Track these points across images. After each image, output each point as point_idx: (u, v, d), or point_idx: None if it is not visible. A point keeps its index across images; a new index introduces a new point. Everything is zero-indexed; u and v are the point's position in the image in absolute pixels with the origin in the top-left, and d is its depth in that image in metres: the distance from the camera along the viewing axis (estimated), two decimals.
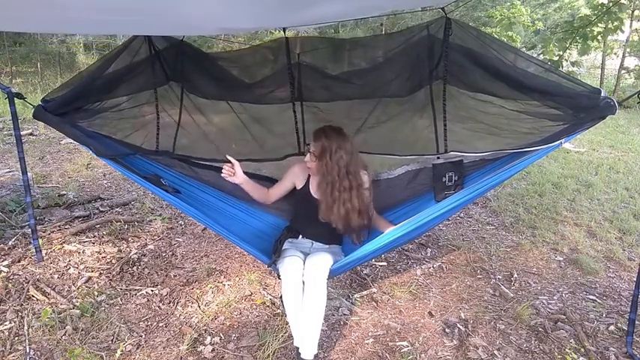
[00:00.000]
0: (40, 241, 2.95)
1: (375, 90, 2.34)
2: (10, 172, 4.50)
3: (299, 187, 2.21)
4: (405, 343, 2.15)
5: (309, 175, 2.17)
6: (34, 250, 2.26)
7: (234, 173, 2.09)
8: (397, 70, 2.27)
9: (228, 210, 2.38)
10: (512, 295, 2.61)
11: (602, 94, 1.59)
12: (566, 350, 2.12)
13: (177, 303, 2.44)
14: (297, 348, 1.91)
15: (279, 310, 2.37)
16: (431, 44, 2.11)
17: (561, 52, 4.52)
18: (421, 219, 1.76)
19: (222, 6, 1.48)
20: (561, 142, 1.66)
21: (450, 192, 2.10)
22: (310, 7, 1.69)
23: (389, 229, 1.89)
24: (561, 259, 3.13)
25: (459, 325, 2.31)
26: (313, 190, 2.15)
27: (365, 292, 2.59)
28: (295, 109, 2.45)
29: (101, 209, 3.68)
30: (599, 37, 4.47)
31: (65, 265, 2.78)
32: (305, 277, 1.89)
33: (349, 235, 2.14)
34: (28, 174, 4.28)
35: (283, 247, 2.08)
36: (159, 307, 2.41)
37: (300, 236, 2.19)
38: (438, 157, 2.26)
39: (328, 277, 1.91)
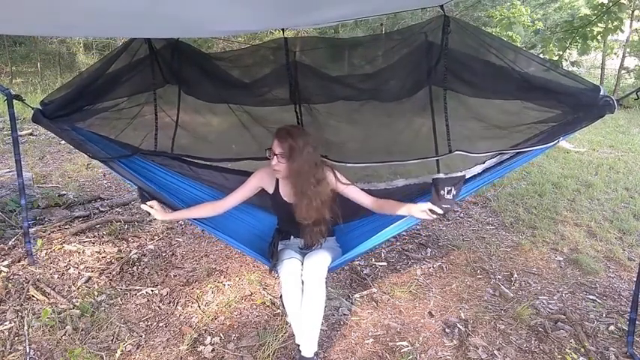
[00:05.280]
0: (40, 241, 2.97)
1: (374, 91, 2.33)
2: (10, 172, 4.49)
3: (270, 192, 2.13)
4: (405, 343, 2.15)
5: (277, 180, 2.09)
6: (27, 254, 2.26)
7: (156, 218, 2.05)
8: (396, 70, 2.26)
9: (229, 210, 2.38)
10: (512, 295, 2.61)
11: (602, 93, 1.59)
12: (566, 350, 2.12)
13: (177, 303, 2.44)
14: (298, 345, 1.92)
15: (279, 310, 2.37)
16: (429, 43, 2.10)
17: (561, 52, 4.52)
18: (418, 219, 1.83)
19: (222, 8, 1.48)
20: (558, 141, 1.66)
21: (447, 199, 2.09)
22: (312, 11, 1.69)
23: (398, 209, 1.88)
24: (561, 259, 3.13)
25: (459, 325, 2.31)
26: (284, 194, 2.08)
27: (365, 292, 2.59)
28: (296, 110, 2.45)
29: (101, 209, 3.68)
30: (599, 37, 4.47)
31: (65, 265, 2.78)
32: (304, 276, 1.89)
33: (312, 233, 2.06)
34: (29, 174, 4.30)
35: (279, 249, 2.07)
36: (159, 307, 2.41)
37: (292, 237, 2.17)
38: (438, 172, 2.24)
39: (328, 272, 1.91)
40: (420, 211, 1.74)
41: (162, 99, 2.40)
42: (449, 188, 1.97)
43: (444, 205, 1.70)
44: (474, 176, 1.94)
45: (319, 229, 2.04)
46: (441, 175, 2.16)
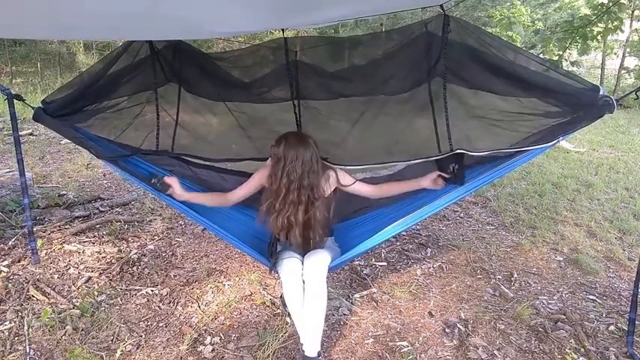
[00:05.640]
0: (40, 241, 2.97)
1: (374, 88, 2.33)
2: (10, 172, 4.50)
3: None
4: (405, 343, 2.15)
5: None
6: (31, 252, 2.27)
7: (175, 193, 1.99)
8: (395, 68, 2.26)
9: (226, 211, 2.38)
10: (512, 295, 2.61)
11: (601, 93, 1.59)
12: (566, 350, 2.12)
13: (177, 303, 2.44)
14: (302, 345, 1.92)
15: (279, 310, 2.37)
16: (429, 42, 2.10)
17: (561, 52, 4.52)
18: (419, 215, 1.86)
19: (222, 9, 1.48)
20: (558, 140, 1.66)
21: (451, 177, 2.09)
22: (312, 11, 1.69)
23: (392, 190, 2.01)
24: (561, 259, 3.13)
25: (459, 325, 2.31)
26: None
27: (365, 292, 2.59)
28: (295, 110, 2.44)
29: (101, 209, 3.68)
30: (598, 37, 4.47)
31: (65, 265, 2.78)
32: (305, 276, 1.89)
33: (304, 243, 2.04)
34: (29, 174, 4.30)
35: (278, 250, 2.07)
36: (159, 307, 2.41)
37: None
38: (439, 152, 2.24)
39: (328, 272, 1.91)
40: (431, 180, 1.90)
41: (164, 98, 2.40)
42: (452, 165, 1.99)
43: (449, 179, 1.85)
44: (474, 175, 1.94)
45: (313, 244, 2.03)
46: (440, 156, 2.17)
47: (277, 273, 1.96)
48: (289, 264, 1.92)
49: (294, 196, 1.92)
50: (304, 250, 2.04)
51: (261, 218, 2.03)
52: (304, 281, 1.89)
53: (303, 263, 1.95)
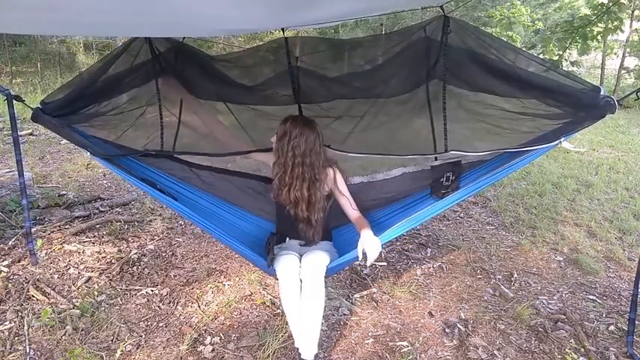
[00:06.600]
0: (40, 241, 2.96)
1: (374, 89, 2.33)
2: (10, 172, 4.50)
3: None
4: (405, 343, 2.15)
5: None
6: (29, 253, 2.27)
7: None
8: (395, 69, 2.26)
9: (223, 215, 2.38)
10: (512, 295, 2.61)
11: (602, 93, 1.59)
12: (566, 350, 2.12)
13: (177, 303, 2.44)
14: (298, 348, 1.90)
15: (279, 310, 2.37)
16: (429, 43, 2.10)
17: (561, 52, 4.52)
18: (417, 219, 1.83)
19: (223, 7, 1.48)
20: (560, 141, 1.66)
21: (448, 191, 2.10)
22: (310, 9, 1.69)
23: (365, 231, 1.90)
24: (561, 259, 3.13)
25: (459, 325, 2.31)
26: None
27: (365, 292, 2.59)
28: (299, 106, 2.45)
29: (101, 209, 3.68)
30: (599, 37, 4.47)
31: (65, 265, 2.78)
32: (302, 275, 1.87)
33: (306, 229, 2.09)
34: (29, 174, 4.30)
35: (275, 253, 2.07)
36: (159, 307, 2.41)
37: (288, 239, 2.15)
38: (436, 159, 2.25)
39: (325, 275, 1.90)
40: (360, 246, 1.82)
41: (166, 99, 2.40)
42: (447, 174, 1.97)
43: (443, 191, 1.72)
44: (476, 176, 1.93)
45: (312, 229, 2.07)
46: (437, 162, 2.18)
47: (274, 272, 1.93)
48: (286, 262, 1.90)
49: (300, 171, 1.98)
50: (305, 238, 2.08)
51: (275, 192, 2.08)
52: (301, 280, 1.87)
53: (300, 262, 1.94)
